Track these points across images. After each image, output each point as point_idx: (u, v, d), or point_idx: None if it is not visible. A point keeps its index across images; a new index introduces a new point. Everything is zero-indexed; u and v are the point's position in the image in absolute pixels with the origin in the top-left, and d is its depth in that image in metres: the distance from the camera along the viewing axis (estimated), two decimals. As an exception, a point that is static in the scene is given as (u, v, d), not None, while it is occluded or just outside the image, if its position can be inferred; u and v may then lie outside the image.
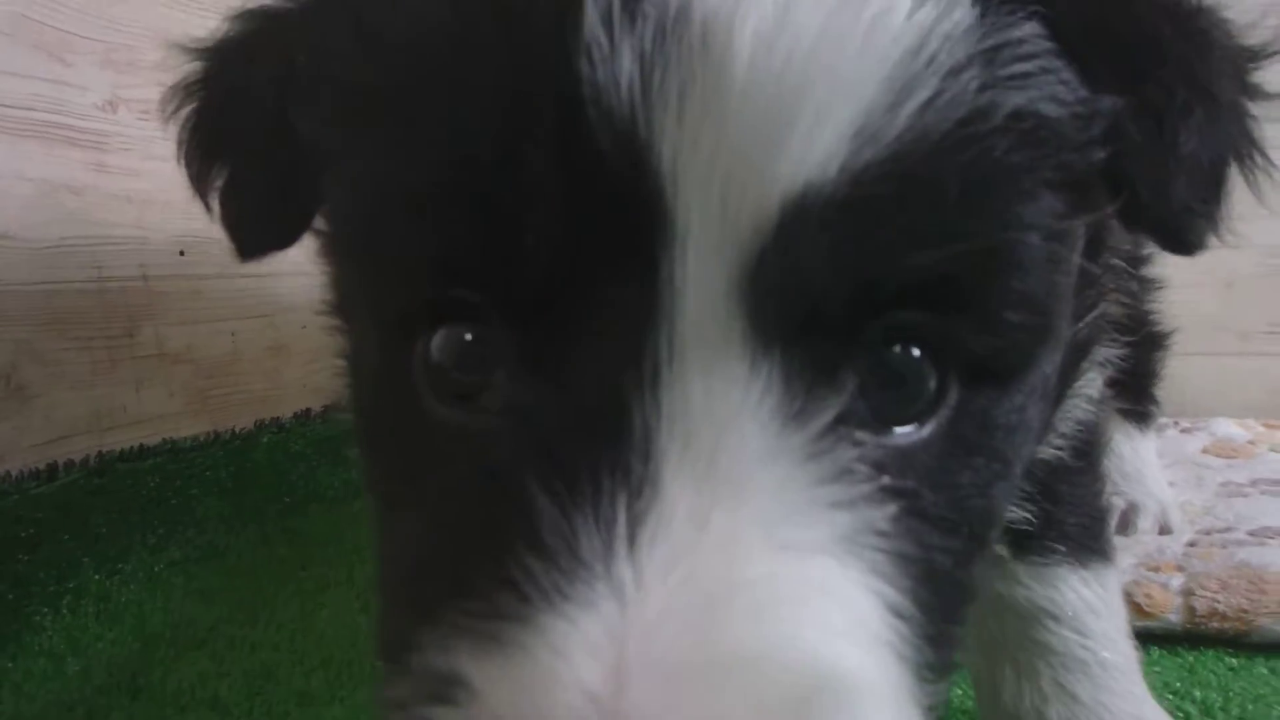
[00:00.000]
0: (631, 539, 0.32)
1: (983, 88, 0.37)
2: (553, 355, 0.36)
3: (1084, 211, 0.43)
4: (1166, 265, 1.78)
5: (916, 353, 0.39)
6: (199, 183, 0.58)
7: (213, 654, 1.00)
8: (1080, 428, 0.66)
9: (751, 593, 0.32)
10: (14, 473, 1.07)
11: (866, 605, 0.35)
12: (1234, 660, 0.92)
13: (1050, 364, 0.47)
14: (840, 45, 0.34)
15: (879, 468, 0.37)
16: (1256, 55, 0.52)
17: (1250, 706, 0.83)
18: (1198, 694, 0.85)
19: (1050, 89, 0.40)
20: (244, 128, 0.54)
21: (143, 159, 1.27)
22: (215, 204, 0.58)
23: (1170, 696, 0.85)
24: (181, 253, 1.31)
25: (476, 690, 0.32)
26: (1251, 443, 1.63)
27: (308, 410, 1.46)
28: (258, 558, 1.26)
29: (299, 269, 1.46)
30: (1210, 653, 0.93)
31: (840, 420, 0.36)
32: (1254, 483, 1.40)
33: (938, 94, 0.36)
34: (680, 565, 0.32)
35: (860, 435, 0.37)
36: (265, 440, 1.37)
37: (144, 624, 1.06)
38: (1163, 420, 1.78)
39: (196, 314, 1.32)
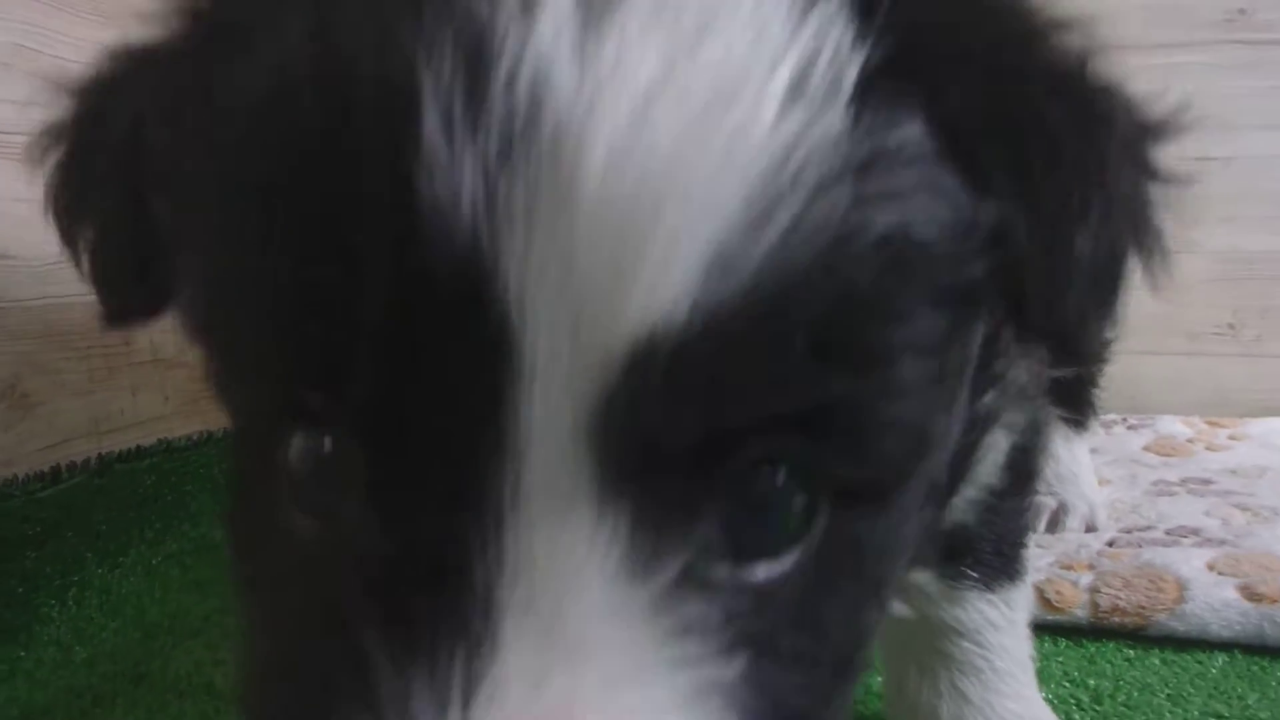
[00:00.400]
0: (466, 701, 0.31)
1: (853, 205, 0.34)
2: (397, 489, 0.34)
3: (970, 325, 0.42)
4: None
5: (781, 480, 0.37)
6: (65, 238, 0.54)
7: (207, 643, 1.09)
8: (1014, 453, 0.68)
9: None
10: (20, 476, 1.16)
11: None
12: (1131, 652, 1.01)
13: (936, 469, 0.45)
14: (697, 162, 0.32)
15: (734, 615, 0.35)
16: (1159, 133, 0.50)
17: (1136, 694, 0.93)
18: (1091, 682, 0.95)
19: (929, 203, 0.37)
20: (102, 187, 0.50)
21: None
22: (83, 262, 0.53)
23: (1067, 684, 0.95)
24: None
25: None
26: (1191, 441, 1.72)
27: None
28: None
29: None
30: (1111, 645, 1.03)
31: (694, 565, 0.34)
32: (1183, 481, 1.49)
33: (802, 217, 0.33)
34: None
35: (716, 576, 0.35)
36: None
37: (144, 614, 1.15)
38: (1111, 417, 1.88)
39: (190, 322, 1.40)
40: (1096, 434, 1.78)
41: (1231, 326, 1.91)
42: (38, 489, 1.17)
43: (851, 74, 0.36)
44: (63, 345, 1.24)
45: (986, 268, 0.40)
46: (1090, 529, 1.29)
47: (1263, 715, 0.89)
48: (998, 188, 0.39)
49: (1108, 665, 0.99)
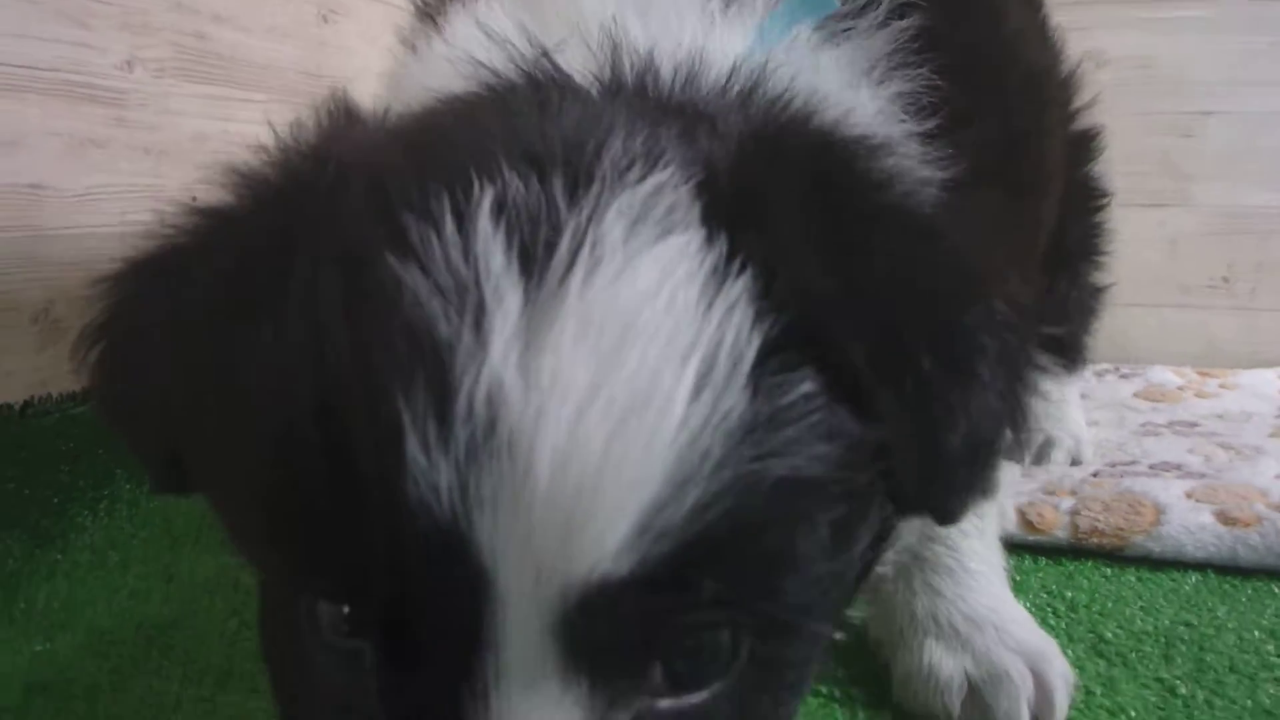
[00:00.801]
0: None
1: (752, 461, 0.42)
2: (403, 673, 0.44)
3: (863, 511, 0.49)
4: (1120, 224, 1.91)
5: (712, 635, 0.45)
6: (111, 421, 0.60)
7: (233, 552, 1.15)
8: None
9: None
10: (54, 395, 1.22)
11: None
12: (1108, 570, 1.07)
13: (844, 590, 0.52)
14: (623, 455, 0.40)
15: None
16: (1027, 348, 0.53)
17: (1110, 605, 0.98)
18: (1069, 594, 1.01)
19: (818, 446, 0.44)
20: (137, 390, 0.55)
21: (158, 114, 1.39)
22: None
23: (1044, 595, 1.00)
24: (194, 198, 1.43)
25: None
26: (1181, 389, 1.77)
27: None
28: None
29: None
30: (1089, 563, 1.08)
31: (643, 707, 0.44)
32: (1170, 424, 1.54)
33: (709, 485, 0.41)
34: None
35: (663, 706, 0.44)
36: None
37: (170, 527, 1.21)
38: (1104, 367, 1.93)
39: (211, 255, 1.45)
40: (1089, 382, 1.83)
41: (1226, 280, 1.95)
42: (71, 408, 1.22)
43: (751, 353, 0.43)
44: (92, 274, 1.29)
45: (873, 473, 0.47)
46: (1076, 463, 1.35)
47: (1230, 624, 0.94)
48: (881, 417, 0.46)
49: (1085, 581, 1.04)
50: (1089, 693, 0.82)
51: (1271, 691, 0.82)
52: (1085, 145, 1.29)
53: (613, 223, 0.43)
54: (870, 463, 0.47)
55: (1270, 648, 0.90)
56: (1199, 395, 1.72)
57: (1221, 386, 1.77)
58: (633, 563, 0.40)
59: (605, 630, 0.41)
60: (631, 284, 0.42)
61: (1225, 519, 1.08)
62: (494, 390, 0.40)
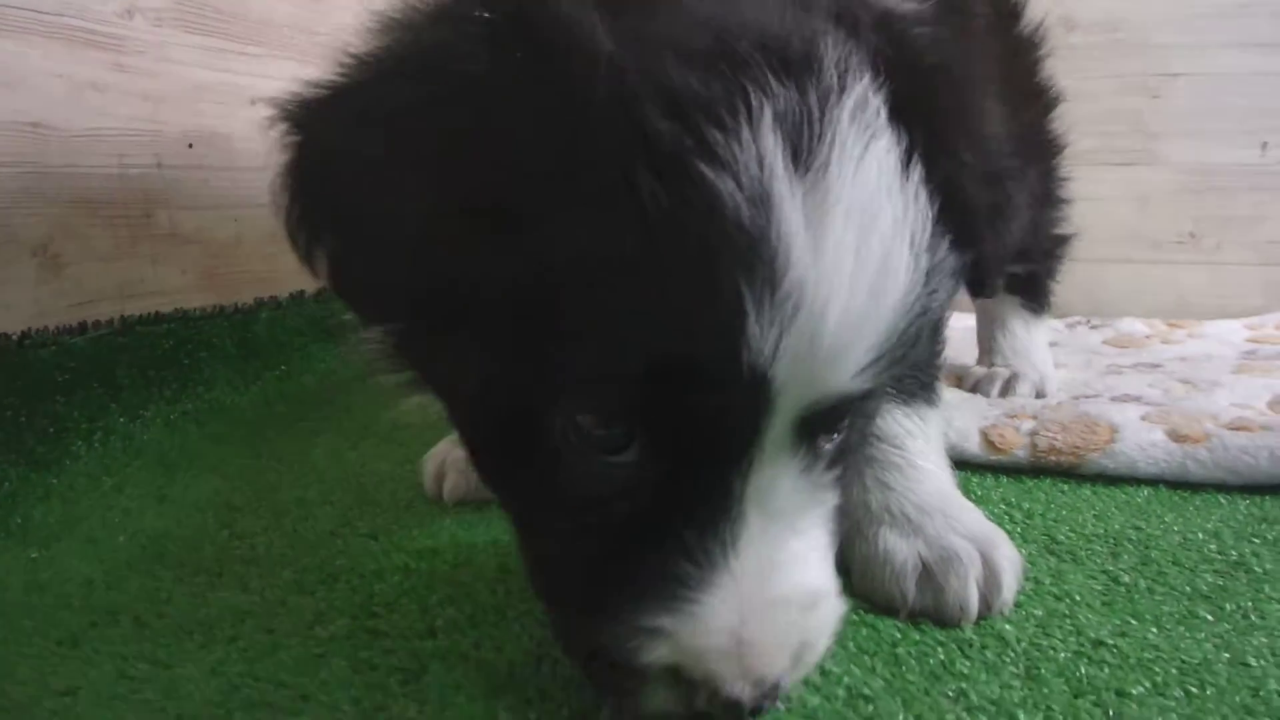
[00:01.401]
0: (735, 549, 0.59)
1: (927, 298, 0.61)
2: (684, 469, 0.59)
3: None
4: (1091, 182, 1.96)
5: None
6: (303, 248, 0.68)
7: (224, 475, 1.19)
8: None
9: (788, 563, 0.61)
10: (51, 327, 1.25)
11: (826, 548, 0.66)
12: (1066, 486, 1.12)
13: None
14: (873, 313, 0.57)
15: (833, 471, 0.66)
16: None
17: (1065, 513, 1.03)
18: (1026, 505, 1.05)
19: (948, 282, 0.65)
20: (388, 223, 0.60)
21: (156, 61, 1.42)
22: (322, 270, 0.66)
23: (1004, 505, 1.05)
24: (190, 145, 1.47)
25: (670, 632, 0.58)
26: (1149, 337, 1.82)
27: (302, 292, 1.63)
28: (259, 413, 1.45)
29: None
30: (1048, 480, 1.13)
31: (824, 459, 0.64)
32: (1135, 365, 1.59)
33: (911, 323, 0.60)
34: (756, 557, 0.60)
35: (826, 447, 0.65)
36: (264, 315, 1.55)
37: (164, 456, 1.25)
38: (1076, 318, 1.98)
39: (204, 200, 1.48)
40: (1060, 332, 1.89)
41: (1193, 235, 2.00)
42: (66, 340, 1.26)
43: (928, 225, 0.60)
44: (91, 213, 1.33)
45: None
46: (1040, 396, 1.39)
47: (1176, 528, 0.99)
48: (981, 242, 0.69)
49: (1042, 494, 1.09)
50: (1038, 582, 0.86)
51: (1209, 580, 0.87)
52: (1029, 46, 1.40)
53: (847, 127, 0.56)
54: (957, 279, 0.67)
55: (1212, 546, 0.94)
56: (1165, 342, 1.77)
57: (1189, 335, 1.82)
58: (861, 382, 0.59)
59: (825, 420, 0.62)
60: (865, 179, 0.56)
61: (1176, 437, 1.13)
62: (797, 276, 0.54)
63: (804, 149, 0.55)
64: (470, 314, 0.60)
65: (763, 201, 0.53)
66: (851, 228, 0.55)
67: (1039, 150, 1.38)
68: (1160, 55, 1.95)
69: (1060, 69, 1.97)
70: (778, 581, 0.60)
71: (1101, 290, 2.00)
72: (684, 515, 0.59)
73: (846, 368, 0.57)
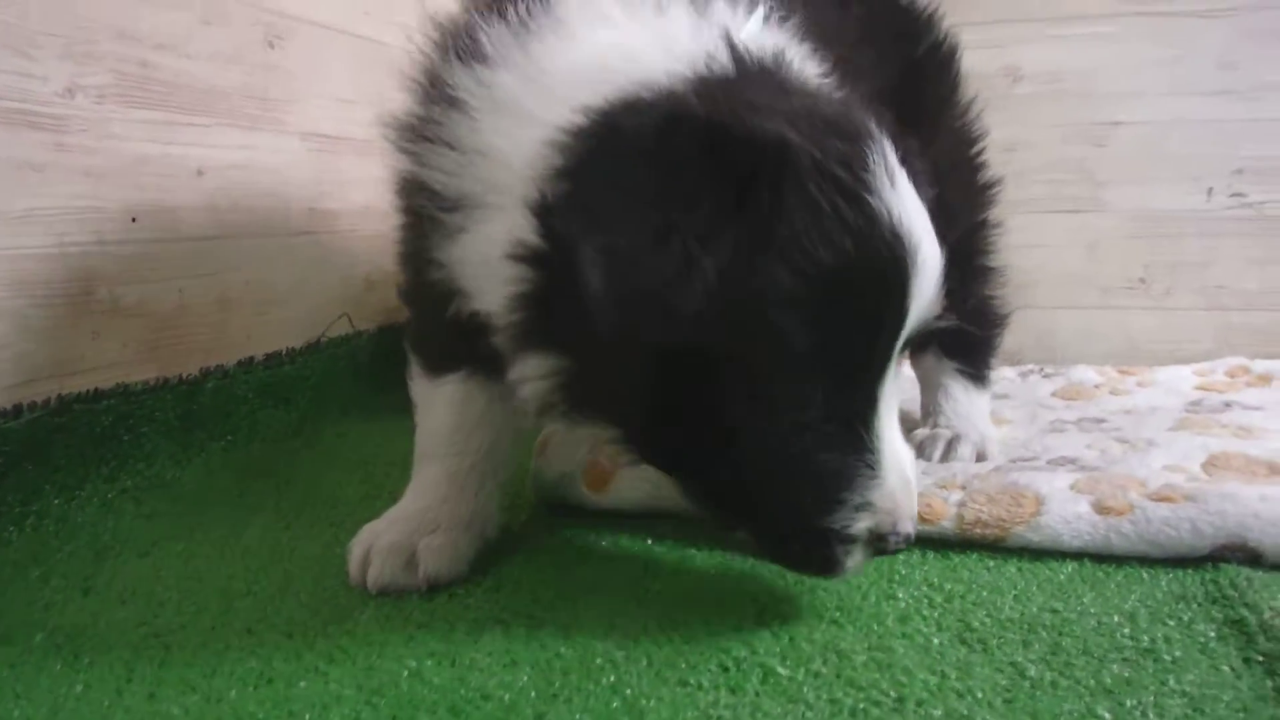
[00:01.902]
0: (882, 441, 0.89)
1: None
2: (850, 384, 0.87)
3: None
4: (1040, 230, 1.98)
5: None
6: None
7: (154, 561, 1.19)
8: None
9: (901, 447, 0.91)
10: (-16, 412, 1.26)
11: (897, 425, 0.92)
12: (992, 562, 1.12)
13: None
14: (939, 259, 0.87)
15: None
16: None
17: (985, 594, 1.03)
18: (948, 586, 1.05)
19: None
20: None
21: (98, 138, 1.42)
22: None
23: (925, 587, 1.05)
24: (134, 219, 1.48)
25: (872, 504, 0.87)
26: (1098, 386, 1.82)
27: (250, 358, 1.64)
28: (200, 486, 1.45)
29: (243, 232, 1.64)
30: (974, 555, 1.13)
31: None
32: (1079, 420, 1.60)
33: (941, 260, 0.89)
34: (891, 444, 0.89)
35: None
36: (210, 385, 1.55)
37: (96, 540, 1.25)
38: (1029, 367, 1.99)
39: (147, 273, 1.49)
40: (1013, 382, 1.89)
41: (1142, 281, 2.01)
42: (1, 424, 1.26)
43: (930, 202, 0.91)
44: (29, 293, 1.33)
45: None
46: (981, 458, 1.40)
47: (1093, 609, 0.99)
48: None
49: (966, 572, 1.09)
50: (943, 677, 0.86)
51: (1115, 670, 0.87)
52: (941, 65, 1.42)
53: (895, 163, 0.86)
54: None
55: (1126, 630, 0.95)
56: (1114, 393, 1.78)
57: (1138, 384, 1.83)
58: (936, 312, 0.90)
59: (911, 342, 0.91)
60: (908, 188, 0.86)
61: (1100, 508, 1.13)
62: (919, 246, 0.84)
63: (894, 179, 0.84)
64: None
65: (895, 209, 0.83)
66: (920, 215, 0.85)
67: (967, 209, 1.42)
68: (1104, 104, 1.97)
69: (1006, 119, 2.00)
70: (905, 461, 0.90)
71: (1054, 337, 2.01)
72: (847, 434, 0.87)
73: (936, 302, 0.87)
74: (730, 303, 0.78)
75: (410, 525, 1.09)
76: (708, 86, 0.84)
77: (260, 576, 1.13)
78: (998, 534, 1.13)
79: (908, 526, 0.89)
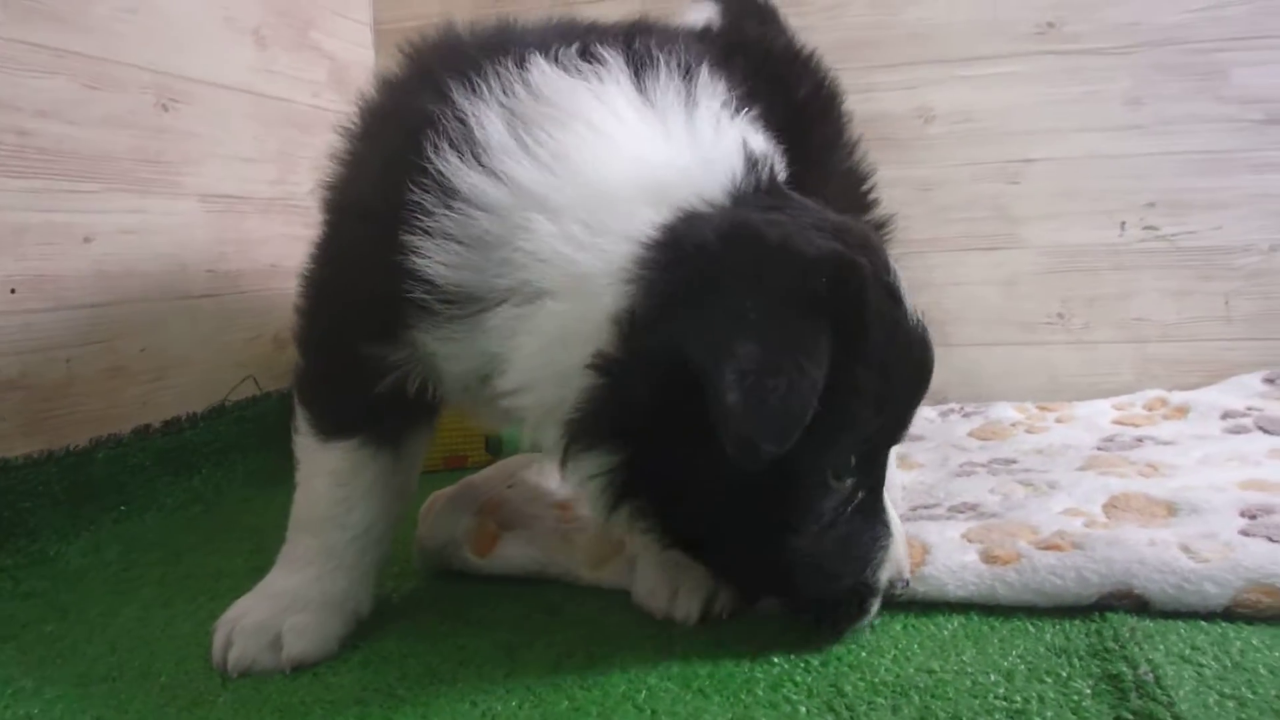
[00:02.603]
0: (887, 511, 1.01)
1: None
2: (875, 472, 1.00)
3: None
4: (958, 267, 1.98)
5: None
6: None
7: (21, 645, 1.14)
8: None
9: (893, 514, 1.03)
10: None
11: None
12: (883, 616, 1.08)
13: None
14: None
15: None
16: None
17: (865, 655, 1.00)
18: (827, 648, 1.02)
19: None
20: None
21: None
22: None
23: (804, 650, 1.01)
24: (13, 290, 1.44)
25: (890, 558, 1.00)
26: (1015, 424, 1.81)
27: (147, 426, 1.60)
28: (86, 561, 1.40)
29: (137, 297, 1.60)
30: (861, 611, 1.10)
31: None
32: (990, 462, 1.58)
33: None
34: (890, 511, 1.02)
35: None
36: (102, 455, 1.51)
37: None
38: (950, 406, 1.97)
39: (27, 345, 1.45)
40: (932, 421, 1.88)
41: (1061, 316, 2.01)
42: None
43: None
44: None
45: None
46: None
47: (970, 668, 0.96)
48: None
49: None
50: (801, 748, 0.83)
51: (981, 734, 0.84)
52: (824, 108, 1.43)
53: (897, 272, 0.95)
54: None
55: (1001, 690, 0.92)
56: (1030, 430, 1.77)
57: (1058, 420, 1.82)
58: None
59: None
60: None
61: (988, 557, 1.11)
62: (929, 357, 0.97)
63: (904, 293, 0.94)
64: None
65: (913, 304, 0.94)
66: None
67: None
68: (1017, 142, 1.98)
69: (921, 159, 2.01)
70: (898, 525, 1.02)
71: (977, 375, 2.00)
72: (871, 499, 0.98)
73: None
74: (825, 415, 0.83)
75: (278, 603, 1.06)
76: (762, 209, 0.93)
77: (127, 659, 1.09)
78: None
79: (908, 573, 1.03)
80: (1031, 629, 1.04)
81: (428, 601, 1.21)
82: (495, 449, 1.79)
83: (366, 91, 1.09)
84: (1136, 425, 1.76)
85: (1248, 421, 1.69)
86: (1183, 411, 1.79)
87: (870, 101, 1.96)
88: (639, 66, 0.98)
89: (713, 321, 0.83)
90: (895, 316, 0.91)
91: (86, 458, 1.49)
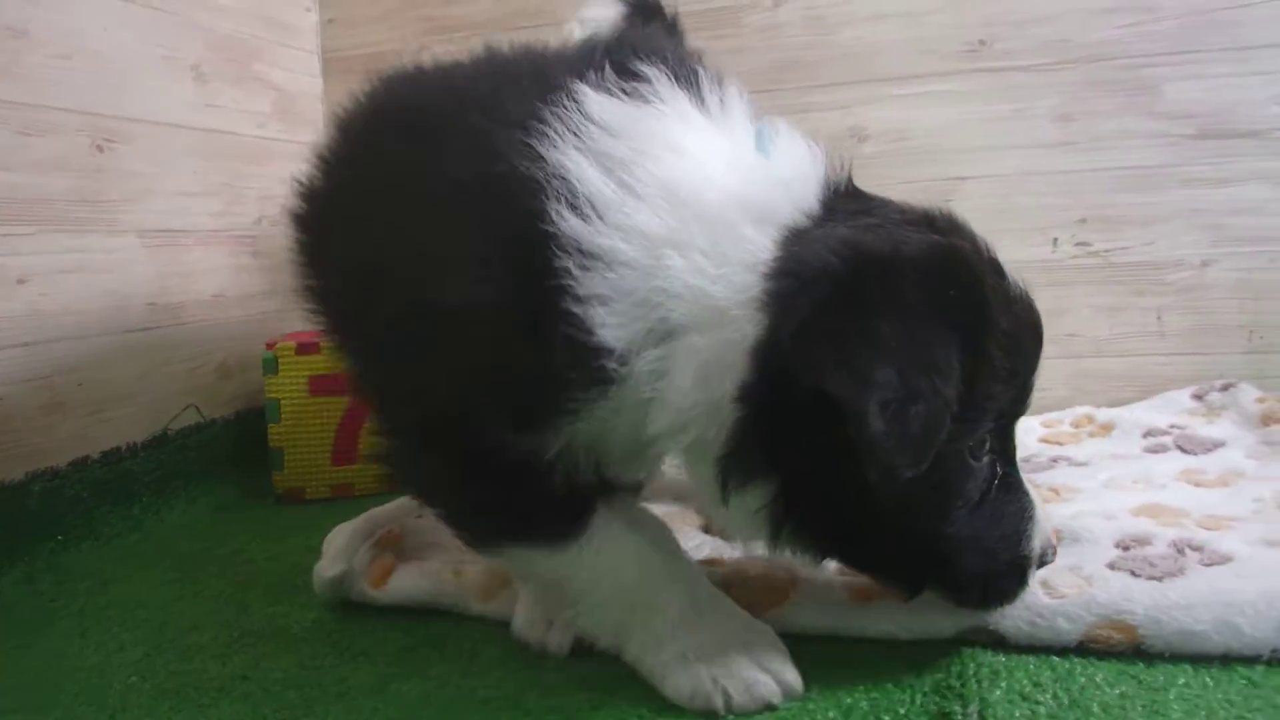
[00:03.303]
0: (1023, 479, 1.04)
1: None
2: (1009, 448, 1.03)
3: None
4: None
5: None
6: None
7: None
8: None
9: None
10: None
11: None
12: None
13: None
14: None
15: None
16: None
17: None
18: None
19: None
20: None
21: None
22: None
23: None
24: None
25: (1041, 530, 1.02)
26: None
27: (85, 458, 1.66)
28: (18, 592, 1.46)
29: (74, 334, 1.65)
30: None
31: None
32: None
33: None
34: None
35: None
36: (38, 489, 1.57)
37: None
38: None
39: (-39, 384, 1.51)
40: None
41: (995, 334, 2.02)
42: None
43: None
44: None
45: None
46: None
47: (812, 705, 0.98)
48: None
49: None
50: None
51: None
52: None
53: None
54: None
55: (836, 726, 0.95)
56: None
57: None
58: None
59: None
60: None
61: (854, 590, 1.13)
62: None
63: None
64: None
65: (1021, 283, 0.98)
66: None
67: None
68: (950, 160, 1.99)
69: (856, 178, 2.02)
70: (1038, 496, 1.03)
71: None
72: (1009, 474, 1.00)
73: None
74: (960, 403, 0.86)
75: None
76: (852, 214, 0.94)
77: (28, 694, 1.13)
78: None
79: (1054, 542, 1.06)
80: (888, 664, 1.06)
81: (325, 632, 1.25)
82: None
83: (414, 178, 0.97)
84: (1060, 444, 1.77)
85: (1168, 440, 1.70)
86: (1108, 429, 1.80)
87: (806, 121, 1.95)
88: (682, 80, 0.96)
89: (848, 349, 0.83)
90: (1005, 290, 0.93)
91: (22, 491, 1.54)
